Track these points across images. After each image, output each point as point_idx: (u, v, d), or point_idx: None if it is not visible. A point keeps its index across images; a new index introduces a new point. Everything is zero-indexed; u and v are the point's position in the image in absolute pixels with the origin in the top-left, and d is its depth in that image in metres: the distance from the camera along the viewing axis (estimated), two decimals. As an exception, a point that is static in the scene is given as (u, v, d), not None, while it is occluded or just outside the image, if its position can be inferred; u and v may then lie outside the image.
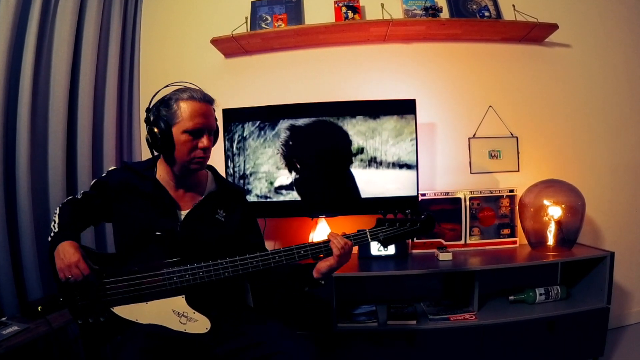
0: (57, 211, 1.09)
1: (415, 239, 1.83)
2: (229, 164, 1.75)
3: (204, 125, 1.04)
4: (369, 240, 1.08)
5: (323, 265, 1.06)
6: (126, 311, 1.01)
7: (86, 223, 1.15)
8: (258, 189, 1.75)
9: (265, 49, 1.97)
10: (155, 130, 1.02)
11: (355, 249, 1.79)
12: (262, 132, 1.74)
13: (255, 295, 1.30)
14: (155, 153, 1.10)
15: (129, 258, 1.04)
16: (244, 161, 1.75)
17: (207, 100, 1.06)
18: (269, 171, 1.74)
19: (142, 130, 1.99)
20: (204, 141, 1.04)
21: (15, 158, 1.43)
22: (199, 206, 1.10)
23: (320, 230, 1.77)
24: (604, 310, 1.58)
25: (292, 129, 1.73)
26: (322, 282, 1.09)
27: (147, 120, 1.05)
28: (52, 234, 1.03)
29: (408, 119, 1.72)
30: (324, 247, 1.06)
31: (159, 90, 1.09)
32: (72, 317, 1.03)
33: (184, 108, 1.02)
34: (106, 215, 1.13)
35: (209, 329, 1.01)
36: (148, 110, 1.06)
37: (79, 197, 1.13)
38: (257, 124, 1.74)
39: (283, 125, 1.73)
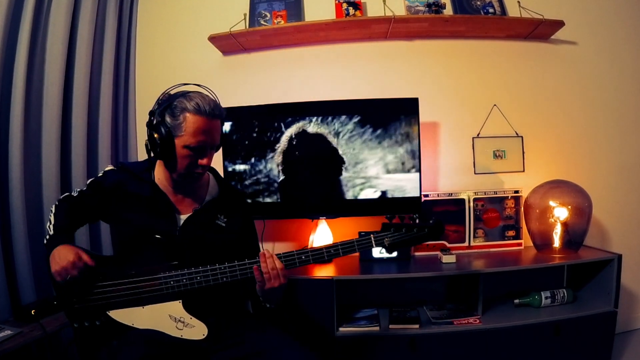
0: (53, 209, 1.07)
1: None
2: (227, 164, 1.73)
3: (207, 143, 1.00)
4: (374, 245, 1.03)
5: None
6: (122, 315, 1.00)
7: (82, 221, 1.13)
8: (257, 190, 1.72)
9: (264, 47, 1.95)
10: (156, 136, 0.97)
11: (356, 254, 1.78)
12: (259, 131, 1.71)
13: (254, 301, 1.27)
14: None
15: (126, 261, 1.03)
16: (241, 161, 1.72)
17: (216, 116, 0.99)
18: (268, 172, 1.71)
19: (138, 129, 1.96)
20: (204, 160, 1.00)
21: (8, 158, 1.40)
22: (199, 212, 1.08)
23: (321, 232, 1.74)
24: (611, 314, 1.55)
25: (291, 128, 1.70)
26: (267, 306, 1.07)
27: (149, 124, 1.00)
28: (47, 236, 1.01)
29: (410, 118, 1.68)
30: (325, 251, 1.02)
31: (166, 90, 1.03)
32: (68, 320, 1.02)
33: (190, 122, 0.96)
34: (103, 215, 1.11)
35: (206, 335, 0.98)
36: (152, 113, 1.01)
37: (74, 194, 1.11)
38: (255, 122, 1.71)
39: (281, 123, 1.70)
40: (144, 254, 1.02)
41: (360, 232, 1.08)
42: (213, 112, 0.98)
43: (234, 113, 1.70)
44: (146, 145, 1.01)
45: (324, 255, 1.02)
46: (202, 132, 0.97)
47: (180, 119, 0.96)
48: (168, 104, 0.99)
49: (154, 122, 0.99)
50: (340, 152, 1.70)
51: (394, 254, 1.73)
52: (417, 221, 1.03)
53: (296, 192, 1.72)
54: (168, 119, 0.97)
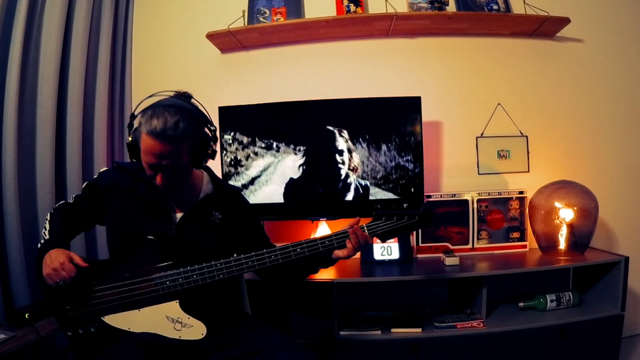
0: (48, 217, 1.07)
1: (420, 241, 1.78)
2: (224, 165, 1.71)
3: (155, 165, 0.96)
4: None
5: (339, 253, 1.05)
6: (118, 320, 0.98)
7: (78, 229, 1.13)
8: (258, 192, 1.70)
9: (264, 44, 1.92)
10: (129, 138, 0.99)
11: (357, 254, 1.75)
12: (259, 132, 1.68)
13: (252, 301, 1.27)
14: None
15: (122, 263, 1.02)
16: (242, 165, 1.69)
17: (168, 139, 0.91)
18: (268, 173, 1.69)
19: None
20: (156, 179, 0.98)
21: (1, 158, 1.38)
22: (194, 208, 1.08)
23: (321, 233, 1.71)
24: (617, 318, 1.54)
25: (291, 128, 1.68)
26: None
27: (129, 126, 1.00)
28: (42, 241, 1.01)
29: (413, 117, 1.66)
30: (320, 244, 1.03)
31: (143, 100, 1.01)
32: (61, 328, 1.00)
33: (143, 140, 0.95)
34: (99, 219, 1.11)
35: (205, 334, 0.98)
36: (132, 116, 1.00)
37: (70, 201, 1.11)
38: (254, 122, 1.69)
39: (281, 123, 1.68)
40: (140, 256, 1.01)
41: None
42: (165, 134, 0.91)
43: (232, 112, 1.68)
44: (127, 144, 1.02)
45: (318, 246, 1.03)
46: (152, 154, 0.94)
47: (138, 134, 0.96)
48: (142, 112, 0.97)
49: (131, 126, 0.99)
50: (339, 151, 1.68)
51: (396, 256, 1.73)
52: (407, 210, 1.05)
53: (297, 193, 1.69)
54: (137, 126, 0.97)
